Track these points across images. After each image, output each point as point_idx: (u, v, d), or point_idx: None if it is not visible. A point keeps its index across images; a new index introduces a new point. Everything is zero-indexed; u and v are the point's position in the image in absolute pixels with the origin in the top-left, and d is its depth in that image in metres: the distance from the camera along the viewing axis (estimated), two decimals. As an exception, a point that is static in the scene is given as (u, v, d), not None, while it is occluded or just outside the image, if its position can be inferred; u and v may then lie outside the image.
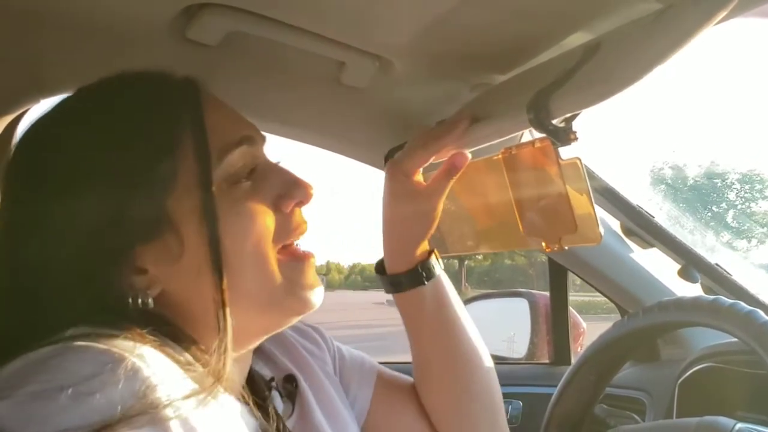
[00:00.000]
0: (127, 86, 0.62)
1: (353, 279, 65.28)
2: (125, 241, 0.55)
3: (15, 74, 0.89)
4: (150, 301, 0.56)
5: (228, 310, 0.55)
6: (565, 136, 0.62)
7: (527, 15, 0.73)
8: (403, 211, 0.75)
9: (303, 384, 0.73)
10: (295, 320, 0.65)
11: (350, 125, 1.13)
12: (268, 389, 0.69)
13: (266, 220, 0.59)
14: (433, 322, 0.79)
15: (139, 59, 0.88)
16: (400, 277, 0.77)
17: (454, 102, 1.00)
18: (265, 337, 0.66)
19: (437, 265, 0.79)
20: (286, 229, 0.61)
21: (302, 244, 0.64)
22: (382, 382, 0.82)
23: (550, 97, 0.62)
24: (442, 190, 0.74)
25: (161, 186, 0.56)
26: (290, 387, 0.71)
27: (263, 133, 0.66)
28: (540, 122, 0.62)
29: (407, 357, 0.85)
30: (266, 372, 0.72)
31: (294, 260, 0.62)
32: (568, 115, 0.63)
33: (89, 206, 0.54)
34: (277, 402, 0.68)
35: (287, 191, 0.62)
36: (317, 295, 0.63)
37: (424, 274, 0.77)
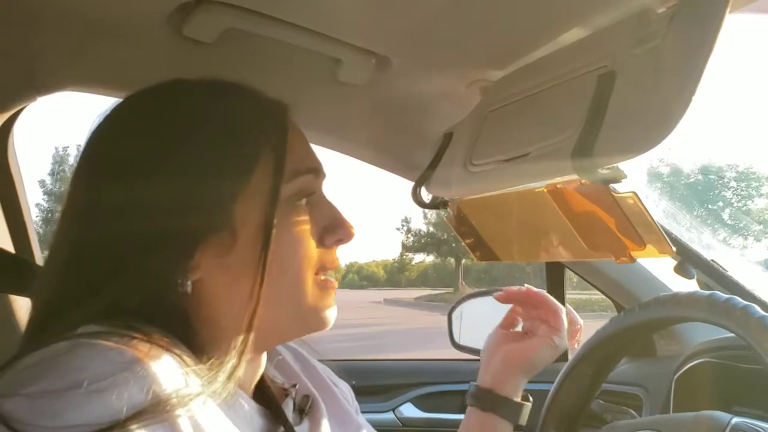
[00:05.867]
0: (222, 90, 0.65)
1: (350, 278, 65.19)
2: (189, 228, 0.57)
3: (12, 72, 0.89)
4: (189, 284, 0.57)
5: (258, 312, 0.58)
6: (613, 179, 0.62)
7: (523, 10, 0.73)
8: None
9: (320, 403, 0.74)
10: (308, 334, 0.68)
11: (347, 123, 1.13)
12: (286, 394, 0.71)
13: (310, 247, 0.63)
14: None
15: (136, 56, 0.89)
16: (489, 395, 0.85)
17: (451, 99, 1.00)
18: (278, 344, 0.71)
19: (521, 415, 0.85)
20: (324, 261, 0.65)
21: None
22: None
23: (594, 145, 0.62)
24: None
25: (235, 184, 0.59)
26: (305, 401, 0.72)
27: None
28: (585, 171, 0.62)
29: (403, 354, 0.86)
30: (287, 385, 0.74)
31: (322, 287, 0.65)
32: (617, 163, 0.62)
33: (171, 191, 0.57)
34: (289, 409, 0.69)
35: (333, 227, 0.65)
36: (333, 318, 0.67)
37: (511, 412, 0.84)
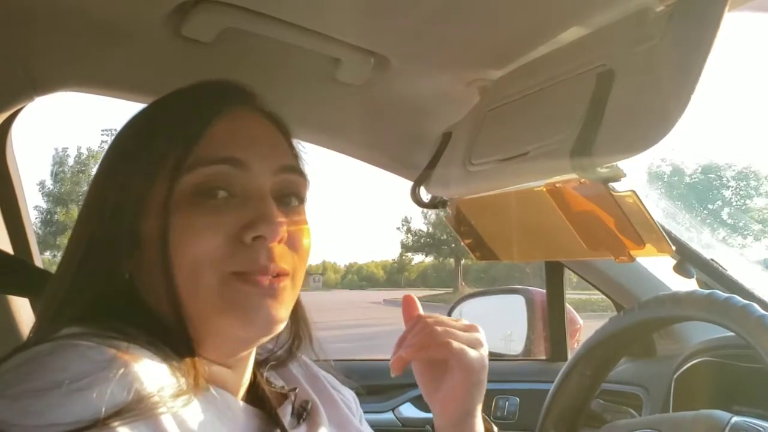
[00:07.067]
0: (182, 90, 0.66)
1: (349, 278, 65.21)
2: (120, 229, 0.60)
3: (10, 71, 0.88)
4: (126, 276, 0.60)
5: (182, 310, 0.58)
6: (612, 178, 0.62)
7: (522, 10, 0.73)
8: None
9: (319, 408, 0.73)
10: (248, 343, 0.63)
11: (346, 122, 1.13)
12: (283, 398, 0.70)
13: (215, 241, 0.58)
14: None
15: (135, 56, 0.89)
16: None
17: (450, 98, 1.00)
18: (247, 350, 0.65)
19: None
20: (241, 258, 0.59)
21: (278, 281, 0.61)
22: None
23: (593, 144, 0.61)
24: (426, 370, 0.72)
25: (144, 177, 0.60)
26: (303, 406, 0.71)
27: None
28: (584, 170, 0.62)
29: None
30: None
31: (236, 285, 0.59)
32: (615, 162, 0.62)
33: (104, 191, 0.62)
34: (287, 413, 0.69)
35: (254, 222, 0.59)
36: (262, 317, 0.60)
37: None
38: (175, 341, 0.57)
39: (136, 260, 0.60)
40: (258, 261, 0.59)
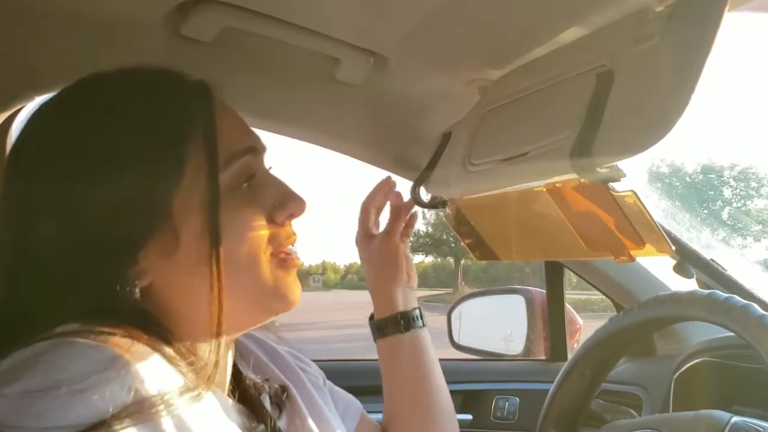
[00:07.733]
0: (142, 79, 0.62)
1: (349, 279, 65.05)
2: (128, 232, 0.55)
3: (9, 71, 0.88)
4: (137, 291, 0.56)
5: (223, 307, 0.56)
6: (612, 178, 0.62)
7: (521, 10, 0.73)
8: (372, 258, 0.90)
9: (294, 392, 0.74)
10: (272, 318, 0.67)
11: (346, 122, 1.13)
12: (259, 392, 0.70)
13: (260, 228, 0.61)
14: (408, 373, 0.84)
15: (134, 56, 0.88)
16: (383, 322, 0.84)
17: (449, 98, 1.00)
18: (242, 333, 0.68)
19: (420, 320, 0.85)
20: (278, 238, 0.63)
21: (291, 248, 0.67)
22: (365, 421, 0.86)
23: (593, 144, 0.61)
24: (395, 231, 0.88)
25: (166, 180, 0.56)
26: (280, 394, 0.72)
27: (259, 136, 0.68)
28: (584, 170, 0.62)
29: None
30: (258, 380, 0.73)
31: (281, 265, 0.63)
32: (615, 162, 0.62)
33: (96, 195, 0.54)
34: (266, 404, 0.69)
35: (282, 203, 0.63)
36: (297, 295, 0.65)
37: (403, 323, 0.84)
38: (177, 338, 0.57)
39: (154, 263, 0.56)
40: (291, 238, 0.65)
